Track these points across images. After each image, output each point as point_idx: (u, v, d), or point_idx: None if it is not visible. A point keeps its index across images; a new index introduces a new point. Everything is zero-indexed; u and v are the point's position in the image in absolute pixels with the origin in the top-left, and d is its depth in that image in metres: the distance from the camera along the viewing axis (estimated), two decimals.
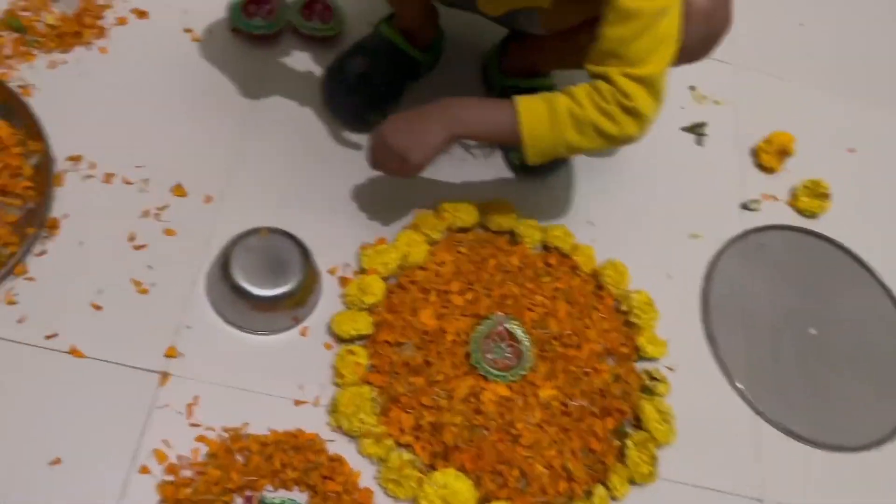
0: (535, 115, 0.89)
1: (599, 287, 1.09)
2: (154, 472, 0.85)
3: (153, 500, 0.83)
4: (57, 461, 0.83)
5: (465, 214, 1.07)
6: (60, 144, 0.99)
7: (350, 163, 1.09)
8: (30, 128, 0.98)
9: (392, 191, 1.09)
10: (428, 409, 0.94)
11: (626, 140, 0.89)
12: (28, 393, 0.85)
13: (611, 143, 0.89)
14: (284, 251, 0.95)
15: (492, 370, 0.97)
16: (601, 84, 0.85)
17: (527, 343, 1.00)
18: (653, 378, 1.03)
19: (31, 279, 0.91)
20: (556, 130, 0.88)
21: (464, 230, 1.09)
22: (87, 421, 0.86)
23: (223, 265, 0.93)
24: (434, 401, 0.94)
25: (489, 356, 0.98)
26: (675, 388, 1.04)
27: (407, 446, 0.93)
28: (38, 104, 1.00)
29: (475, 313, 1.01)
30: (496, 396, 0.97)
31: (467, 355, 0.98)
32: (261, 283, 0.93)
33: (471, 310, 1.01)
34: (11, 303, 0.89)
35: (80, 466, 0.83)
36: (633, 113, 0.85)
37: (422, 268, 1.03)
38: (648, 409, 0.99)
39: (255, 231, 0.96)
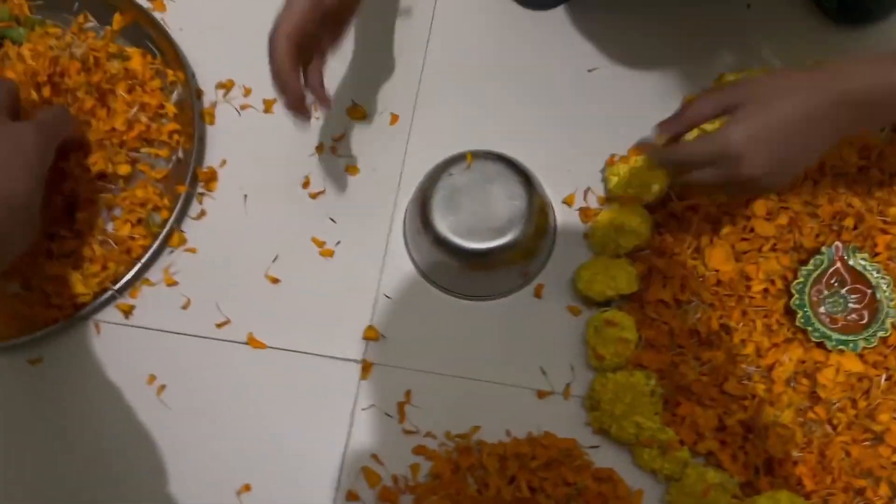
0: None
1: None
2: (365, 498, 0.64)
3: None
4: (246, 488, 0.65)
5: None
6: (203, 69, 0.77)
7: (569, 47, 0.76)
8: (166, 53, 0.76)
9: (640, 76, 0.75)
10: (736, 401, 0.63)
11: None
12: (198, 400, 0.67)
13: None
14: (500, 182, 0.67)
15: (831, 332, 0.63)
16: None
17: (884, 286, 0.64)
18: None
19: (191, 250, 0.72)
20: None
21: None
22: (276, 430, 0.66)
23: (422, 212, 0.67)
24: (744, 387, 0.63)
25: (824, 311, 0.64)
26: None
27: (708, 456, 0.63)
28: (172, 20, 0.78)
29: (796, 245, 0.67)
30: (842, 373, 0.63)
31: (789, 312, 0.65)
32: (474, 231, 0.65)
33: (788, 240, 0.67)
34: (172, 283, 0.70)
35: (276, 493, 0.65)
36: None
37: None
38: None
39: (457, 159, 0.68)
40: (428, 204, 0.66)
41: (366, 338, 0.68)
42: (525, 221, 0.65)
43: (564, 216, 0.72)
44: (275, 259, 0.70)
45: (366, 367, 0.68)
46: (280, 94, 0.59)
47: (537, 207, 0.66)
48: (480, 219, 0.65)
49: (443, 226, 0.65)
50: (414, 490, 0.63)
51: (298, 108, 0.59)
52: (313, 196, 0.72)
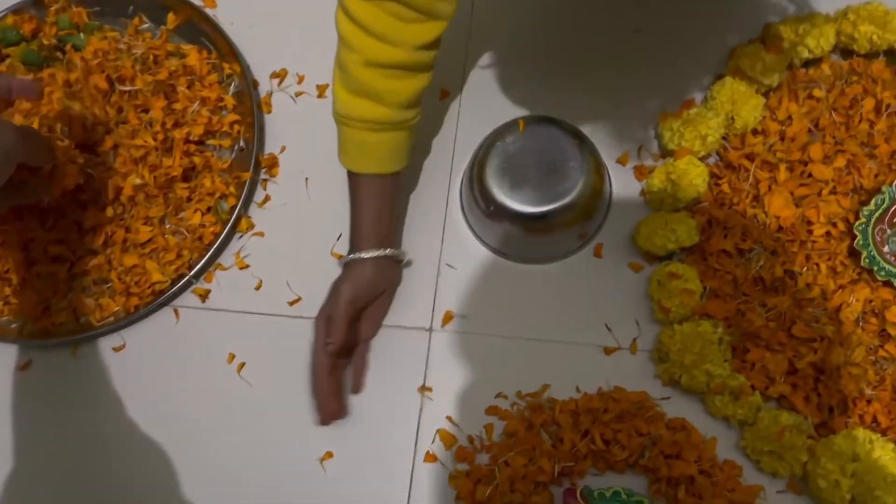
0: None
1: None
2: (442, 459, 0.66)
3: (447, 496, 0.65)
4: (328, 455, 0.67)
5: (816, 37, 0.69)
6: (257, 61, 0.80)
7: (614, 8, 0.76)
8: (221, 47, 0.79)
9: (685, 32, 0.75)
10: (805, 343, 0.63)
11: None
12: (277, 376, 0.70)
13: None
14: (553, 146, 0.68)
15: None
16: None
17: None
18: None
19: (259, 234, 0.74)
20: None
21: (814, 62, 0.72)
22: (353, 399, 0.69)
23: (478, 181, 0.68)
24: (812, 329, 0.63)
25: (888, 250, 0.64)
26: None
27: (781, 400, 0.63)
28: (222, 15, 0.81)
29: (855, 187, 0.67)
30: None
31: (853, 253, 0.65)
32: (530, 196, 0.66)
33: (847, 182, 0.67)
34: (244, 267, 0.73)
35: (358, 458, 0.67)
36: None
37: (758, 131, 0.70)
38: None
39: (510, 126, 0.69)
40: (483, 173, 0.68)
41: (444, 321, 0.70)
42: (581, 182, 0.66)
43: (619, 176, 0.72)
44: (339, 237, 0.73)
45: (430, 333, 0.69)
46: (317, 409, 0.67)
47: (592, 168, 0.67)
48: (536, 183, 0.67)
49: (500, 193, 0.67)
50: (490, 449, 0.65)
51: (329, 420, 0.67)
52: None
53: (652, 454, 0.62)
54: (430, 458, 0.66)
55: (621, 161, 0.73)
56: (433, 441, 0.66)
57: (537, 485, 0.63)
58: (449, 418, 0.67)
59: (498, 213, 0.68)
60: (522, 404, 0.67)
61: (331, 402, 0.66)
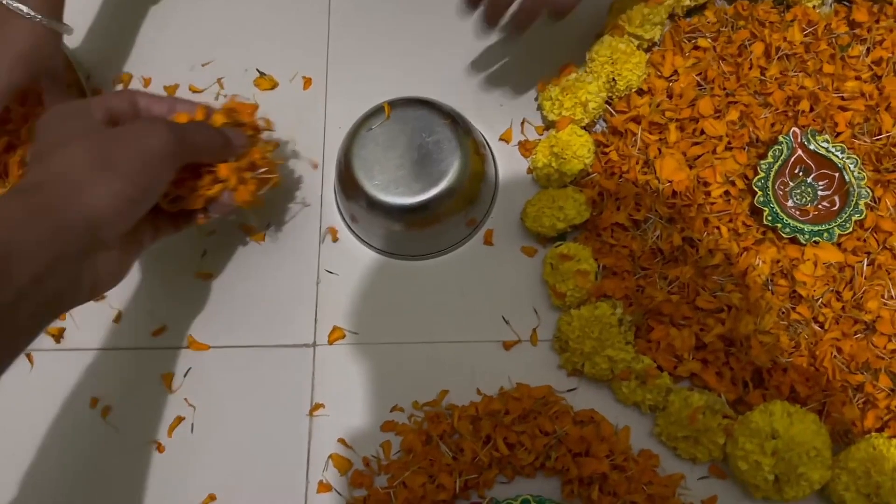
0: None
1: None
2: (338, 487, 0.60)
3: None
4: (211, 499, 0.60)
5: None
6: (98, 68, 0.71)
7: None
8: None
9: None
10: (712, 315, 0.58)
11: None
12: (146, 416, 0.62)
13: None
14: (425, 129, 0.62)
15: (803, 225, 0.59)
16: None
17: (851, 166, 0.59)
18: None
19: None
20: None
21: (697, 9, 0.67)
22: (234, 433, 0.62)
23: (346, 174, 0.62)
24: (718, 299, 0.58)
25: (792, 204, 0.60)
26: None
27: (693, 378, 0.59)
28: None
29: (751, 140, 0.62)
30: (821, 266, 0.58)
31: (755, 211, 0.60)
32: (404, 186, 0.60)
33: (742, 136, 0.62)
34: (100, 298, 0.65)
35: (243, 499, 0.60)
36: None
37: (643, 91, 0.64)
38: None
39: (376, 110, 0.62)
40: (351, 166, 0.61)
41: (330, 337, 0.63)
42: (457, 165, 0.60)
43: (505, 155, 0.67)
44: (203, 254, 0.66)
45: (314, 349, 0.63)
46: None
47: (470, 149, 0.61)
48: (410, 171, 0.60)
49: (371, 186, 0.60)
50: (388, 469, 0.59)
51: None
52: None
53: (559, 454, 0.56)
54: (323, 487, 0.60)
55: (504, 138, 0.67)
56: (325, 468, 0.60)
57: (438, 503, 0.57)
58: (342, 441, 0.61)
59: (373, 208, 0.61)
60: (420, 415, 0.61)
61: None
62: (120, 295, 0.65)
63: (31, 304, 0.42)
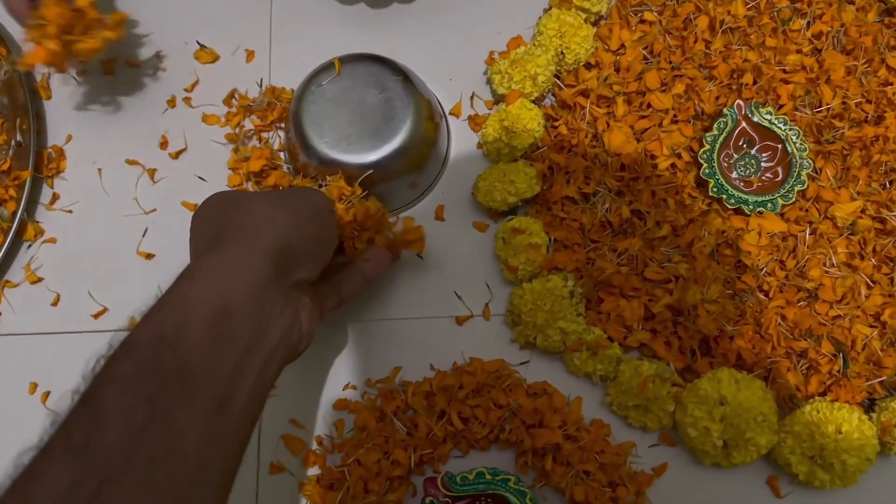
0: None
1: (892, 10, 0.65)
2: (291, 468, 0.59)
3: None
4: None
5: None
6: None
7: None
8: None
9: None
10: (660, 286, 0.59)
11: None
12: None
13: None
14: (377, 85, 0.60)
15: (747, 196, 0.60)
16: None
17: (794, 137, 0.60)
18: None
19: (51, 240, 0.64)
20: None
21: None
22: None
23: (296, 131, 0.60)
24: (666, 270, 0.59)
25: (736, 175, 0.61)
26: None
27: (642, 348, 0.59)
28: None
29: (697, 113, 0.62)
30: (765, 236, 0.60)
31: (700, 183, 0.61)
32: (357, 142, 0.59)
33: (688, 109, 0.62)
34: (36, 280, 0.63)
35: None
36: None
37: (591, 65, 0.65)
38: None
39: (326, 66, 0.61)
40: (301, 122, 0.59)
41: None
42: (411, 123, 0.59)
43: (455, 130, 0.66)
44: (145, 232, 0.64)
45: None
46: None
47: (423, 108, 0.60)
48: (362, 128, 0.59)
49: (322, 144, 0.59)
50: (341, 447, 0.58)
51: None
52: (174, 156, 0.65)
53: (512, 426, 0.56)
54: (275, 468, 0.59)
55: (455, 113, 0.66)
56: (277, 449, 0.59)
57: (393, 480, 0.56)
58: (294, 421, 0.60)
59: (326, 167, 0.59)
60: (373, 393, 0.60)
61: None
62: (58, 277, 0.63)
63: (259, 358, 0.42)
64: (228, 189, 0.51)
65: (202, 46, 0.67)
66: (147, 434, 0.35)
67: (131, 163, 0.65)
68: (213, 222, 0.46)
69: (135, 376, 0.36)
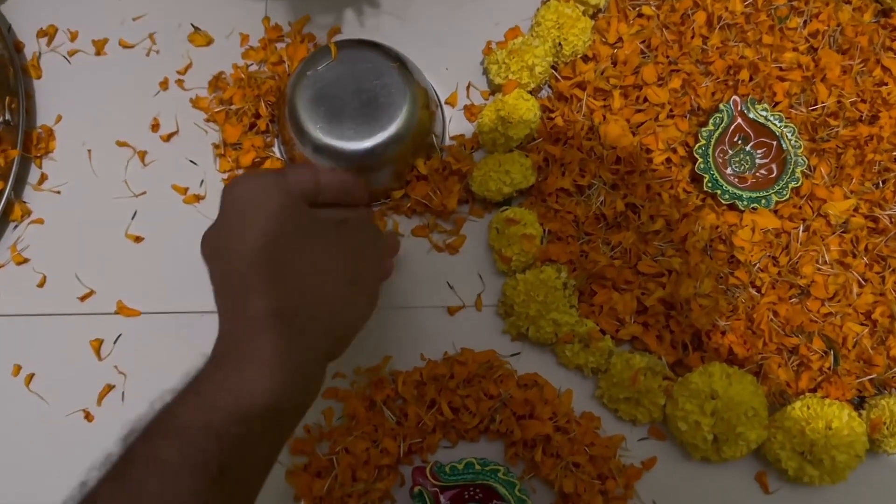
0: None
1: (888, 11, 0.65)
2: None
3: (286, 495, 0.57)
4: None
5: None
6: (20, 19, 0.67)
7: None
8: None
9: None
10: (653, 279, 0.59)
11: None
12: (73, 384, 0.59)
13: None
14: (373, 70, 0.59)
15: (741, 192, 0.60)
16: None
17: (789, 134, 0.60)
18: None
19: (38, 221, 0.63)
20: None
21: None
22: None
23: (292, 120, 0.59)
24: (659, 264, 0.59)
25: (731, 171, 0.61)
26: None
27: (634, 342, 0.59)
28: None
29: (693, 108, 0.62)
30: (758, 232, 0.60)
31: (695, 178, 0.61)
32: (352, 129, 0.58)
33: (684, 104, 0.62)
34: (22, 261, 0.62)
35: None
36: None
37: (588, 58, 0.64)
38: None
39: (322, 51, 0.60)
40: (296, 108, 0.59)
41: None
42: (407, 110, 0.58)
43: (451, 119, 0.66)
44: (134, 215, 0.63)
45: None
46: None
47: (419, 96, 0.60)
48: (357, 115, 0.59)
49: (316, 129, 0.58)
50: (330, 435, 0.58)
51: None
52: (165, 139, 0.64)
53: (503, 417, 0.56)
54: None
55: (450, 102, 0.66)
56: None
57: (382, 468, 0.56)
58: None
59: (321, 154, 0.59)
60: (363, 381, 0.60)
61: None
62: (44, 258, 0.62)
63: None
64: (272, 208, 0.41)
65: (196, 29, 0.66)
66: None
67: (121, 144, 0.64)
68: (271, 276, 0.40)
69: (178, 466, 0.34)
